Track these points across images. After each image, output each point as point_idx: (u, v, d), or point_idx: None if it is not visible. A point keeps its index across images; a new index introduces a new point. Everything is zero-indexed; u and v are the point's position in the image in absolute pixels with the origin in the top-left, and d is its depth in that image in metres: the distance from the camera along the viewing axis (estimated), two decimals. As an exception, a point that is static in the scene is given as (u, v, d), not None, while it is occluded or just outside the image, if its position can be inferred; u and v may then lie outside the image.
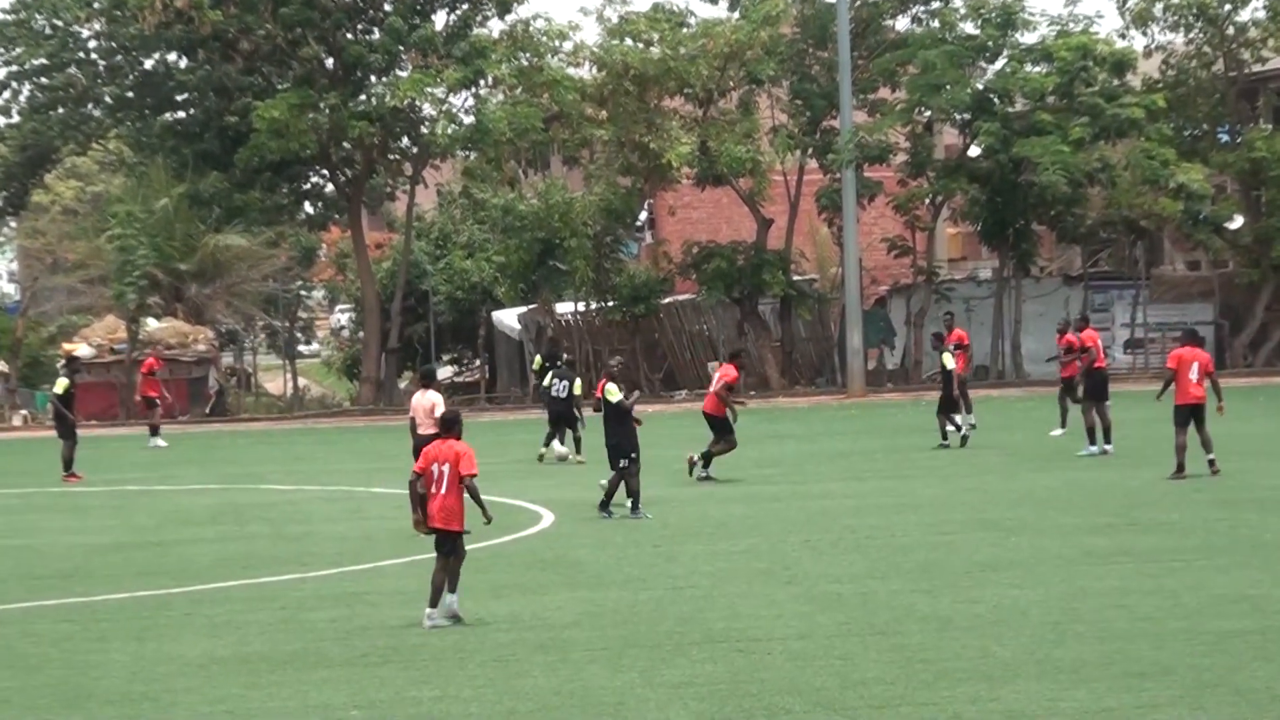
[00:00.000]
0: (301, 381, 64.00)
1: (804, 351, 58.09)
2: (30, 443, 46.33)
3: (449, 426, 17.44)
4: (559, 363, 37.46)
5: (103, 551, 23.92)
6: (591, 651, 15.70)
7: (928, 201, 56.41)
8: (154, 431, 43.34)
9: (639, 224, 62.58)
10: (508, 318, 59.59)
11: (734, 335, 56.28)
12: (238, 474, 31.73)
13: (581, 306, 57.29)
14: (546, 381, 35.37)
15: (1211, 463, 27.42)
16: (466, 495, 16.89)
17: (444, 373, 62.00)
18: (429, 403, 24.55)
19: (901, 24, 56.88)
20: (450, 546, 16.96)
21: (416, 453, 24.34)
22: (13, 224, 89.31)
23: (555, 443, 34.31)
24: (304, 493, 30.84)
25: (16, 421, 53.83)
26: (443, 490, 16.82)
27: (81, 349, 55.54)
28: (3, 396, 59.52)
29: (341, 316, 80.00)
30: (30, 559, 23.41)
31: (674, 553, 21.87)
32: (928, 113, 54.91)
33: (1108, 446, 31.44)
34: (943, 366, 34.91)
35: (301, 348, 73.35)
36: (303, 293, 74.05)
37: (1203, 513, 23.91)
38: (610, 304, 55.96)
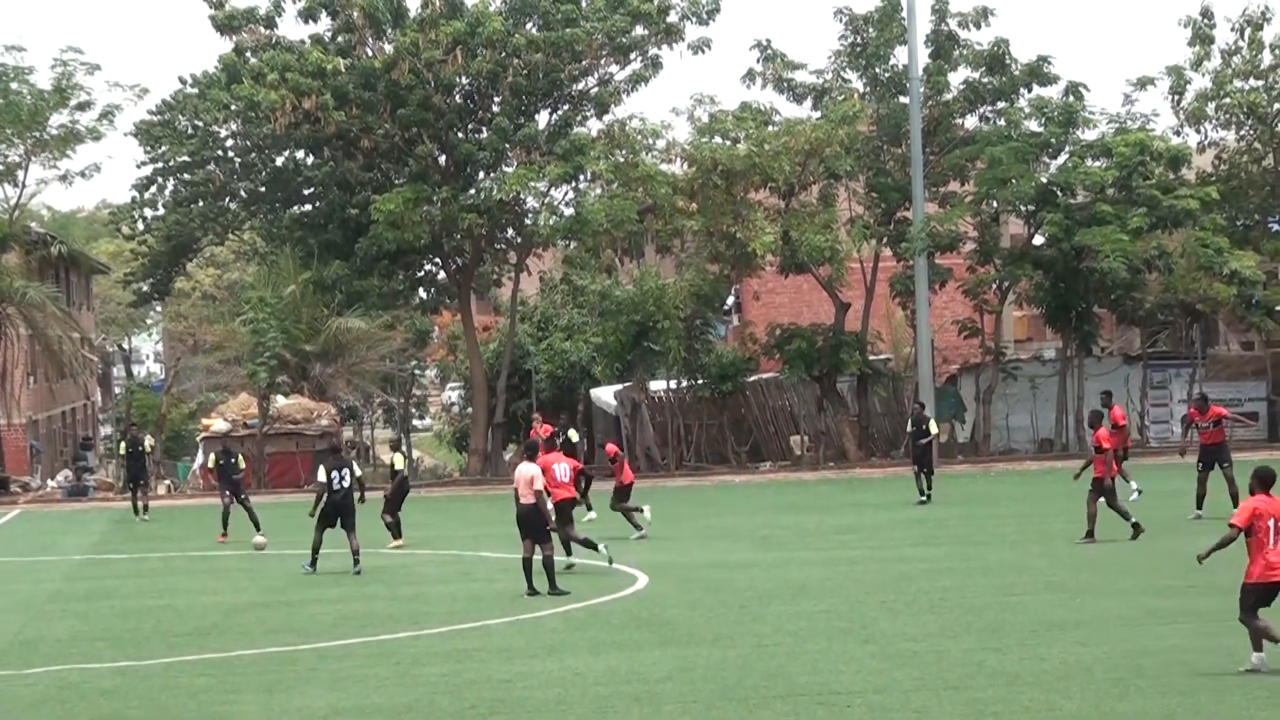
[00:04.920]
0: (415, 454, 64.24)
1: (879, 426, 57.75)
2: (173, 510, 46.67)
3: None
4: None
5: (237, 610, 24.06)
6: (684, 704, 15.65)
7: (995, 286, 56.16)
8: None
9: (726, 308, 62.60)
10: (605, 394, 59.62)
11: (814, 411, 56.24)
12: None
13: (673, 384, 57.27)
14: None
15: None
16: None
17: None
18: (529, 474, 24.52)
19: (970, 122, 56.75)
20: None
21: (518, 520, 24.47)
22: (158, 308, 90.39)
23: None
24: (417, 556, 30.92)
25: (161, 490, 54.24)
26: None
27: (218, 424, 56.00)
28: (149, 467, 60.10)
29: (452, 393, 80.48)
30: (170, 617, 23.55)
31: (759, 613, 21.80)
32: (995, 204, 54.69)
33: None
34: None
35: (415, 422, 73.76)
36: (416, 372, 74.56)
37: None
38: (700, 381, 55.91)
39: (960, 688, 16.07)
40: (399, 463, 33.51)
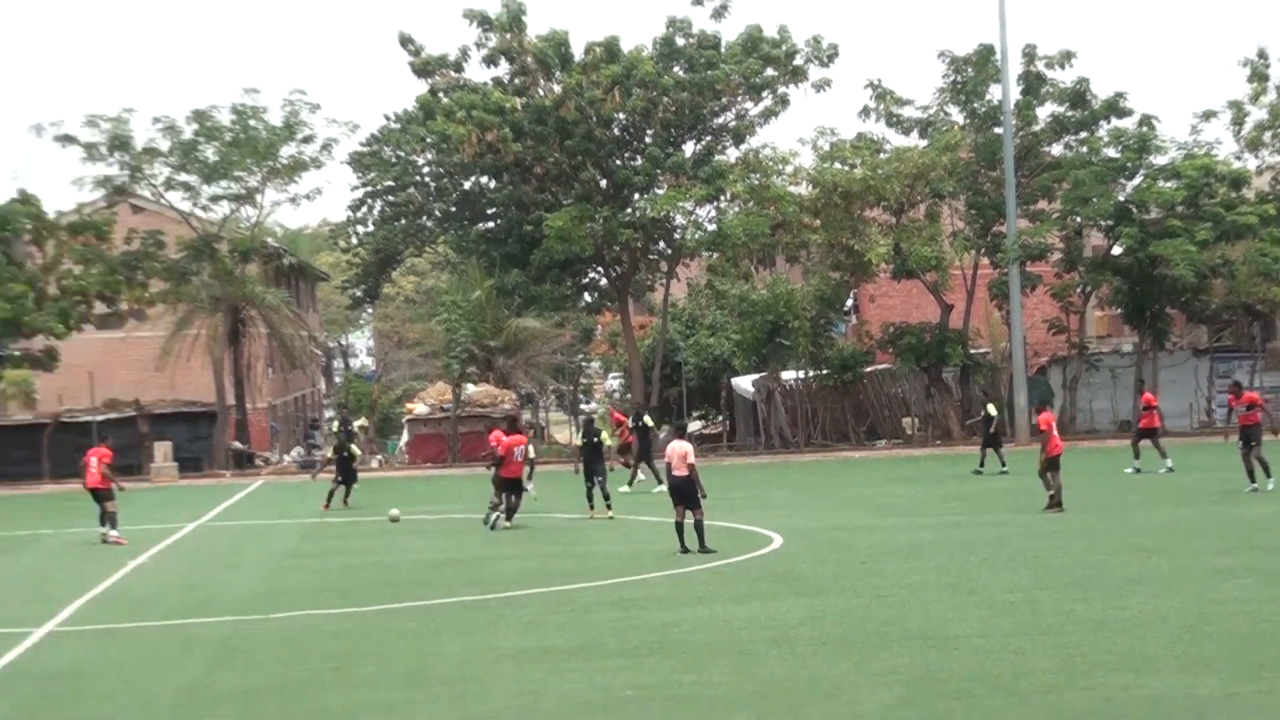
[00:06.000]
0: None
1: (979, 410, 57.24)
2: (383, 481, 47.21)
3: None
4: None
5: (437, 566, 24.28)
6: (815, 646, 15.65)
7: (1079, 290, 55.51)
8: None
9: (846, 309, 62.33)
10: (743, 383, 59.58)
11: (923, 397, 55.90)
12: (531, 506, 32.01)
13: (801, 374, 57.15)
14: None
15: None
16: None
17: (693, 426, 62.20)
18: (683, 449, 24.61)
19: (1056, 150, 56.04)
20: None
21: (673, 491, 24.56)
22: (369, 310, 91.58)
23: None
24: (586, 521, 31.08)
25: (374, 464, 54.97)
26: None
27: (419, 408, 56.64)
28: (364, 445, 60.94)
29: (613, 382, 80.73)
30: (384, 572, 23.79)
31: (878, 569, 21.72)
32: (1078, 220, 53.99)
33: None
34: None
35: (583, 406, 74.03)
36: (583, 364, 74.83)
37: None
38: (824, 371, 55.82)
39: (1052, 633, 15.93)
40: (606, 438, 33.82)
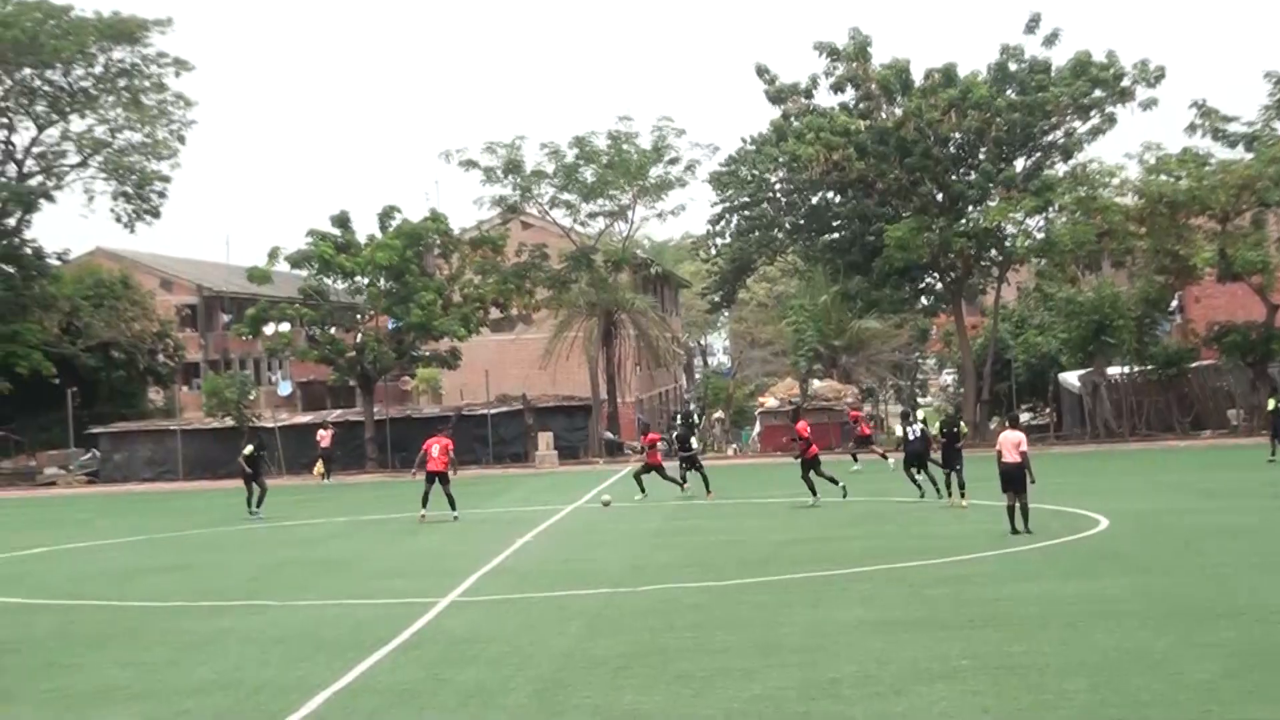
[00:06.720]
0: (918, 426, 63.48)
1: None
2: (734, 468, 47.20)
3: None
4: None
5: (785, 544, 24.11)
6: (1141, 619, 14.94)
7: None
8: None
9: (1170, 309, 59.96)
10: (1070, 377, 57.95)
11: (1248, 390, 53.16)
12: (874, 489, 31.62)
13: (1126, 369, 55.34)
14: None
15: None
16: None
17: (1022, 418, 60.54)
18: (1015, 438, 23.87)
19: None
20: None
21: (1003, 475, 23.86)
22: (726, 313, 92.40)
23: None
24: (922, 505, 30.43)
25: (729, 452, 55.32)
26: None
27: (770, 401, 56.79)
28: (720, 435, 61.47)
29: (947, 378, 79.32)
30: (739, 549, 23.70)
31: (1201, 548, 20.67)
32: None
33: None
34: None
35: (919, 399, 73.03)
36: (919, 360, 73.82)
37: None
38: (1149, 367, 54.08)
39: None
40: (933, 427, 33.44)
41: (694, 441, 38.59)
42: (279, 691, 13.15)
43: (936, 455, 30.24)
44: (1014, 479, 23.50)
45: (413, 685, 13.18)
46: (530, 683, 13.05)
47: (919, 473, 30.80)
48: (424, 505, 31.41)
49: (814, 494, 30.65)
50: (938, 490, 30.42)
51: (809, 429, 31.57)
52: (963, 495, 29.14)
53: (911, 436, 31.04)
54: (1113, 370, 55.75)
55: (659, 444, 36.85)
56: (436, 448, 31.34)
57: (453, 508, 31.11)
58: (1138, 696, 11.47)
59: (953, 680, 12.37)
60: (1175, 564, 19.27)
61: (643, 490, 34.93)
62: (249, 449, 35.05)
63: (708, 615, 16.63)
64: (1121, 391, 54.51)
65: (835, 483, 31.18)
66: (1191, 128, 53.29)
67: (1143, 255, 53.75)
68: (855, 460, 42.32)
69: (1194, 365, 54.52)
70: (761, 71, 55.87)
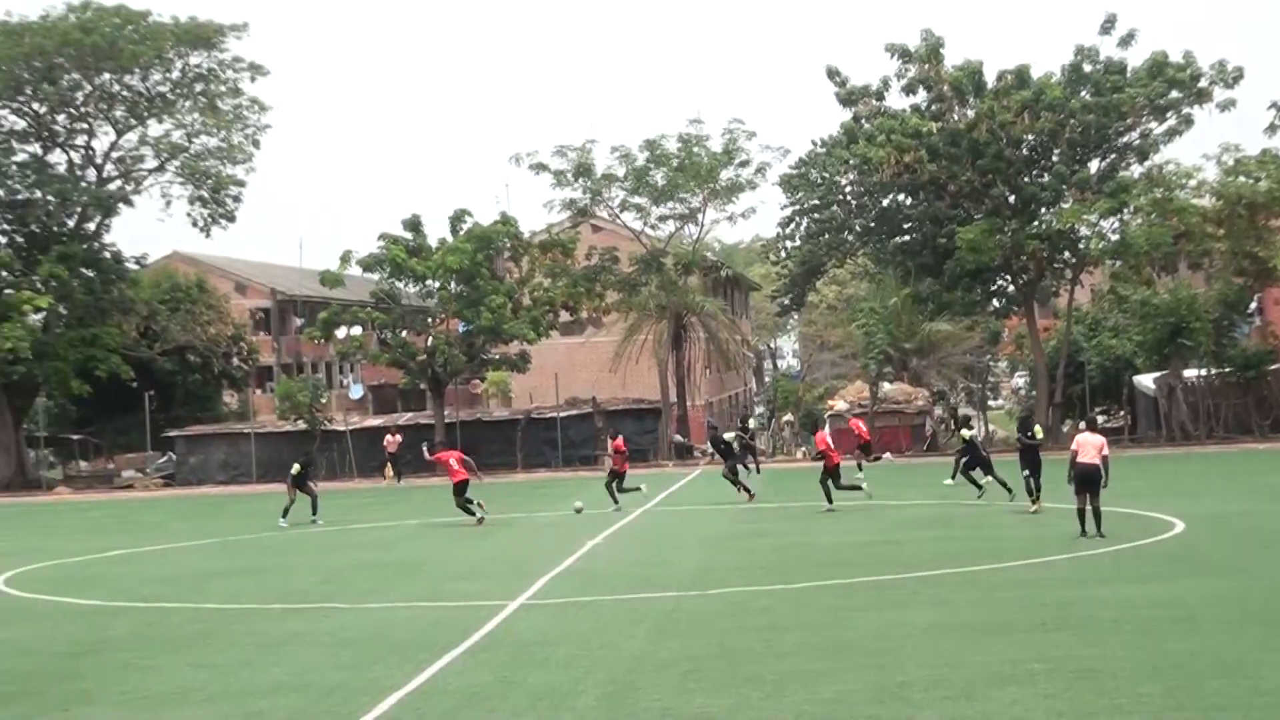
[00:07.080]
0: (991, 427, 63.04)
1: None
2: (796, 472, 47.01)
3: None
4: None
5: (856, 547, 24.04)
6: (1217, 624, 14.74)
7: None
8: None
9: (1249, 311, 59.14)
10: (1145, 380, 57.29)
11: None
12: (936, 492, 31.36)
13: (1202, 372, 54.64)
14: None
15: None
16: None
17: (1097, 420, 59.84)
18: (1098, 441, 23.50)
19: None
20: None
21: (1080, 477, 23.54)
22: (795, 316, 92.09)
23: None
24: (990, 507, 30.18)
25: (798, 455, 55.11)
26: None
27: (839, 404, 56.53)
28: (789, 438, 61.25)
29: (1019, 380, 78.61)
30: (809, 552, 23.65)
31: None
32: None
33: None
34: None
35: (990, 402, 72.48)
36: (990, 363, 73.24)
37: None
38: (1227, 370, 53.40)
39: None
40: (965, 435, 33.12)
41: (734, 444, 37.65)
42: (350, 693, 13.27)
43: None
44: (1092, 480, 23.23)
45: (483, 688, 13.25)
46: (599, 685, 13.08)
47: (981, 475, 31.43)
48: (473, 511, 31.61)
49: (829, 500, 31.13)
50: (977, 485, 31.32)
51: (827, 440, 32.47)
52: (1037, 499, 28.83)
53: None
54: (1189, 373, 55.11)
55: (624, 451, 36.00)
56: (454, 460, 32.10)
57: (468, 512, 31.63)
58: (1213, 701, 11.34)
59: (1025, 684, 12.27)
60: (1252, 568, 19.00)
61: (615, 502, 34.20)
62: (296, 468, 35.43)
63: (777, 618, 16.57)
64: (1198, 394, 53.90)
65: (858, 488, 32.20)
66: (1271, 129, 52.76)
67: (1221, 257, 53.19)
68: (860, 469, 39.80)
69: (1273, 367, 53.83)
70: (832, 74, 55.67)
